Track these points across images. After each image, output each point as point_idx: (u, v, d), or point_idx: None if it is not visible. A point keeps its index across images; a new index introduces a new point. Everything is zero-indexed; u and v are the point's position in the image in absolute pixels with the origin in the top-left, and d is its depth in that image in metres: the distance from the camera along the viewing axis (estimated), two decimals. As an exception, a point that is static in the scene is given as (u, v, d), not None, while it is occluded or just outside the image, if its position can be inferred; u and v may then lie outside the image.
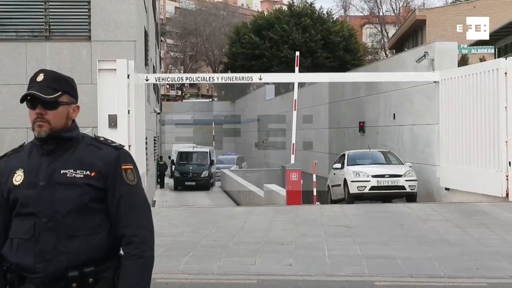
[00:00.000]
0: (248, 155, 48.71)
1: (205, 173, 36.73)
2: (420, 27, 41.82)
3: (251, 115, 47.24)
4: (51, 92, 2.83)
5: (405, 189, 17.44)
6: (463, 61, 26.06)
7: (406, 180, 17.52)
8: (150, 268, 2.90)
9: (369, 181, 17.61)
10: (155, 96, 29.93)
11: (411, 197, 17.61)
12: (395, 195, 17.72)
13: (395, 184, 17.43)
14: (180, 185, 36.25)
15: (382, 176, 17.69)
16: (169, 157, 42.22)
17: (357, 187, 17.65)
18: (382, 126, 22.56)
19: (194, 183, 35.95)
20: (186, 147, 40.43)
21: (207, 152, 38.53)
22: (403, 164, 18.63)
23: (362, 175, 17.80)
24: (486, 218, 12.43)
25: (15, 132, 15.43)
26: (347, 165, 18.78)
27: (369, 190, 17.51)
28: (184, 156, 38.32)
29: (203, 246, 9.83)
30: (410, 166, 18.41)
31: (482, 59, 27.87)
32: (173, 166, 38.74)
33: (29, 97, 2.83)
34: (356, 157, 19.58)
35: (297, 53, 19.63)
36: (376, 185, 17.50)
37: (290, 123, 35.20)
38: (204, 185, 36.29)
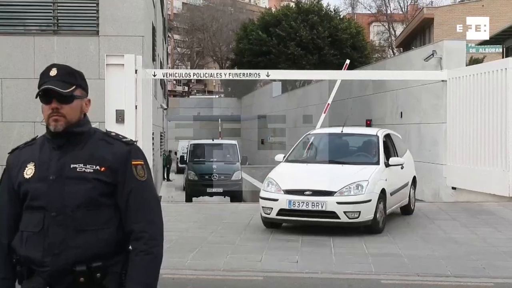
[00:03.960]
0: (253, 151, 48.75)
1: (237, 175, 24.44)
2: (428, 26, 41.72)
3: (258, 111, 47.22)
4: (66, 86, 2.84)
5: (338, 218, 10.20)
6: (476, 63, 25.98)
7: (339, 203, 10.21)
8: (158, 265, 2.91)
9: (276, 200, 10.55)
10: (162, 91, 29.93)
11: (369, 228, 10.51)
12: (322, 225, 10.52)
13: (319, 208, 10.22)
14: (198, 194, 23.76)
15: (301, 192, 10.46)
16: (175, 153, 42.19)
17: (263, 207, 10.81)
18: (389, 124, 22.48)
19: (221, 190, 23.65)
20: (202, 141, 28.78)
21: (235, 144, 26.70)
22: (376, 164, 11.33)
23: (274, 187, 10.83)
24: (493, 217, 12.40)
25: (22, 126, 15.44)
26: (285, 160, 12.18)
27: (277, 215, 10.55)
28: (200, 151, 26.33)
29: (209, 242, 9.84)
30: (393, 164, 11.50)
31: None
32: (186, 165, 27.12)
33: (40, 93, 2.84)
34: (306, 146, 12.94)
35: (347, 61, 19.04)
36: (286, 207, 10.41)
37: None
38: (236, 192, 23.93)
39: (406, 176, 12.59)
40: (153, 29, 21.59)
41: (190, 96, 77.48)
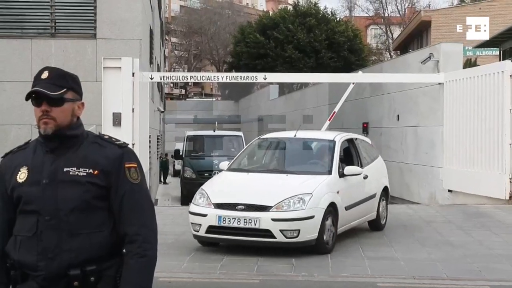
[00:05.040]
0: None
1: None
2: (425, 29, 41.76)
3: (255, 114, 47.23)
4: (56, 88, 2.84)
5: (274, 237, 8.84)
6: (469, 65, 26.02)
7: (275, 220, 8.84)
8: (153, 267, 2.91)
9: (205, 215, 9.19)
10: (159, 94, 29.93)
11: (313, 249, 9.08)
12: (257, 245, 9.15)
13: (252, 225, 8.85)
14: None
15: (233, 206, 9.10)
16: (172, 156, 42.04)
17: (191, 223, 9.46)
18: (386, 127, 22.54)
19: None
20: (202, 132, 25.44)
21: (240, 136, 23.11)
22: (327, 173, 9.95)
23: (205, 200, 9.42)
24: (489, 220, 12.42)
25: (19, 129, 15.45)
26: (227, 168, 10.91)
27: (206, 232, 9.17)
28: (199, 144, 22.82)
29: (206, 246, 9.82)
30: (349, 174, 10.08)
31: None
32: (177, 162, 24.01)
33: (33, 95, 2.84)
34: (253, 153, 11.80)
35: (360, 72, 18.51)
36: (216, 224, 9.05)
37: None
38: None
39: (373, 187, 11.16)
40: (151, 32, 21.60)
41: (187, 99, 77.45)
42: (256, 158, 11.63)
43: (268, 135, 12.36)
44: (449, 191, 17.21)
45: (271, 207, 8.94)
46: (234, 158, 11.31)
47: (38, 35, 16.72)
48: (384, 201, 11.62)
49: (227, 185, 10.06)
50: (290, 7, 47.88)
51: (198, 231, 9.28)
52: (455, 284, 7.60)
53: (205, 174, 20.40)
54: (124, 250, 2.90)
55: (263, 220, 8.82)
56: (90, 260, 2.80)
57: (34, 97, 2.84)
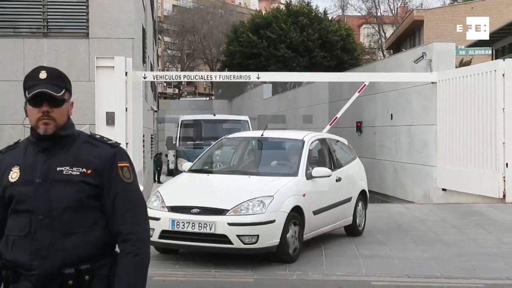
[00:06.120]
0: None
1: None
2: (418, 28, 41.88)
3: (249, 113, 47.12)
4: (58, 90, 2.85)
5: (231, 242, 8.08)
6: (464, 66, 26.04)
7: (232, 224, 8.12)
8: (146, 266, 2.92)
9: (158, 219, 8.34)
10: (152, 94, 29.86)
11: (275, 256, 8.41)
12: (213, 252, 8.52)
13: (207, 230, 8.11)
14: None
15: (188, 210, 8.37)
16: (166, 155, 42.01)
17: None
18: (379, 126, 22.56)
19: None
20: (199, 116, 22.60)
21: (246, 121, 20.28)
22: (293, 175, 9.23)
23: (159, 203, 8.64)
24: (483, 219, 12.45)
25: (12, 129, 15.36)
26: (189, 169, 10.13)
27: (159, 237, 8.36)
28: (196, 131, 20.23)
29: (200, 245, 9.79)
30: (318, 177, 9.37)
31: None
32: (171, 160, 21.97)
33: (33, 95, 2.82)
34: (217, 153, 11.17)
35: (366, 82, 17.56)
36: (169, 228, 8.30)
37: (289, 123, 35.27)
38: None
39: (348, 190, 10.45)
40: (143, 31, 21.55)
41: (180, 98, 77.41)
42: (219, 158, 11.04)
43: (233, 135, 11.87)
44: (443, 189, 17.24)
45: (228, 210, 8.24)
46: (197, 159, 10.61)
47: (31, 35, 16.64)
48: (361, 206, 10.91)
49: (184, 187, 9.40)
50: (282, 7, 47.86)
51: (151, 237, 8.42)
52: (449, 283, 7.61)
53: (205, 167, 18.10)
54: (117, 249, 2.90)
55: (219, 225, 8.11)
56: (84, 259, 2.80)
57: (34, 97, 2.82)
